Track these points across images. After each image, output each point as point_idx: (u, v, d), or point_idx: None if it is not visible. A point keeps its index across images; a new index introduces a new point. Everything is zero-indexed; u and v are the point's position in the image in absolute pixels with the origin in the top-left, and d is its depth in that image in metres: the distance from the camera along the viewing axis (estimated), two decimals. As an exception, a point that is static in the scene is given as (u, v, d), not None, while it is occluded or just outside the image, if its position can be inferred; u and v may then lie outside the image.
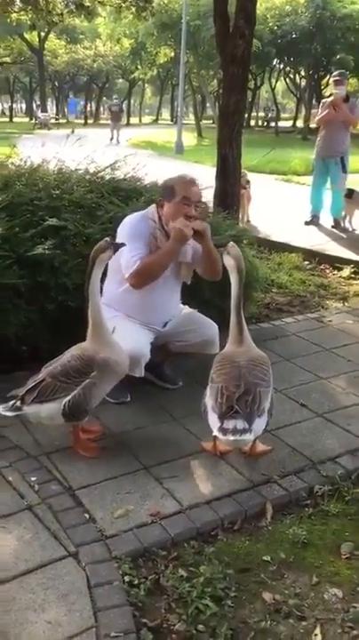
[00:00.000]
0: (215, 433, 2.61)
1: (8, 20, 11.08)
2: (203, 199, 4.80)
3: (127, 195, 4.19)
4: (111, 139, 25.53)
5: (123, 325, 3.11)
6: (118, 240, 3.04)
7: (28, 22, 10.81)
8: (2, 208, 3.64)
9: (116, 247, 2.81)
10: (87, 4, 9.50)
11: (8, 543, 2.32)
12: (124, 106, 40.84)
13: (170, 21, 24.63)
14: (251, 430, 2.57)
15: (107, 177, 4.49)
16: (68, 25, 33.89)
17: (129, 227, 3.21)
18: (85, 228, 3.74)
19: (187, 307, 3.54)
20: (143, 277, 3.12)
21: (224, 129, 5.91)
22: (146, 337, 3.24)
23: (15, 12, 10.49)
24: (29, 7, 9.80)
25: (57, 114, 46.29)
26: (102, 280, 2.96)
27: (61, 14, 9.98)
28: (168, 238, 3.16)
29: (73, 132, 10.90)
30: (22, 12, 10.35)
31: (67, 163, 4.49)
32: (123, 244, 2.91)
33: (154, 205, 3.32)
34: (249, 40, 5.67)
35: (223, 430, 2.56)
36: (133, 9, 9.22)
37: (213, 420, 2.64)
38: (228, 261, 2.85)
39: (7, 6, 9.87)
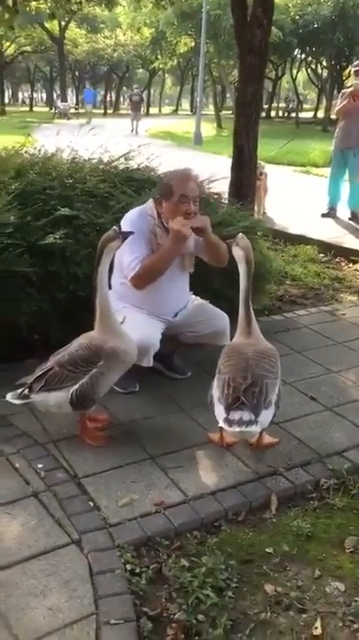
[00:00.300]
0: (221, 424, 2.60)
1: (28, 9, 11.05)
2: (219, 190, 4.84)
3: (140, 185, 4.18)
4: (132, 130, 25.22)
5: (132, 316, 3.11)
6: None
7: (48, 11, 10.78)
8: (14, 196, 3.64)
9: (125, 236, 2.80)
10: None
11: (12, 529, 2.34)
12: (144, 96, 40.66)
13: (190, 10, 24.44)
14: (258, 422, 2.56)
15: (121, 167, 4.49)
16: (89, 14, 33.94)
17: (129, 224, 3.16)
18: (97, 217, 3.75)
19: (198, 297, 3.52)
20: (144, 279, 3.13)
21: (240, 119, 5.86)
22: (155, 327, 3.24)
23: (35, 0, 10.46)
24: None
25: (76, 104, 46.26)
26: (110, 270, 2.96)
27: (80, 2, 9.95)
28: (168, 234, 3.15)
29: (89, 122, 10.87)
30: (42, 1, 10.33)
31: (82, 152, 4.48)
32: (131, 233, 2.90)
33: (151, 201, 3.30)
34: (267, 30, 5.61)
35: (229, 421, 2.55)
36: (153, -3, 9.17)
37: (219, 411, 2.64)
38: (237, 253, 2.84)
39: (28, -6, 9.83)
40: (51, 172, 4.07)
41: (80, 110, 43.21)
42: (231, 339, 3.11)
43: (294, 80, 38.44)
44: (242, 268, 2.83)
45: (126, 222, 3.21)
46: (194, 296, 3.52)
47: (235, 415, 2.55)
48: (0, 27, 10.53)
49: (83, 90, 52.95)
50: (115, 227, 2.77)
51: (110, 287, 3.08)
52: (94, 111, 44.81)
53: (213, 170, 5.01)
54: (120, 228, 2.78)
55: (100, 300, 2.77)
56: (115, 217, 3.72)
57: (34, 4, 10.43)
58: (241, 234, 2.90)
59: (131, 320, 3.02)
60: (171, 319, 3.35)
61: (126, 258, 3.12)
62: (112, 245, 2.73)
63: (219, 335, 3.35)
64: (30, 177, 3.93)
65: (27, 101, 54.78)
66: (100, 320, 2.80)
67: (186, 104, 60.94)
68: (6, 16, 9.54)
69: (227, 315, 3.39)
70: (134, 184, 4.19)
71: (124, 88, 51.49)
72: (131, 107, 27.94)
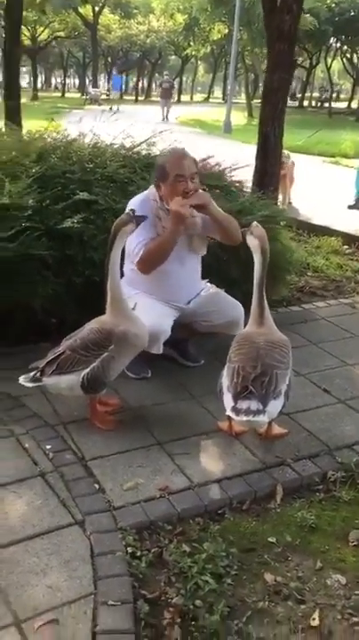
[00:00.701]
0: (228, 412, 2.60)
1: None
2: (243, 178, 4.80)
3: (160, 170, 4.15)
4: (162, 118, 24.95)
5: (143, 302, 3.12)
6: None
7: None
8: (34, 180, 3.66)
9: (139, 220, 2.78)
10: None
11: (18, 508, 2.37)
12: (176, 83, 40.41)
13: (224, -4, 24.21)
14: (265, 412, 2.54)
15: (144, 152, 4.48)
16: (123, -1, 33.78)
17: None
18: (116, 202, 3.73)
19: (213, 286, 3.50)
20: (149, 264, 3.12)
21: (267, 107, 5.79)
22: (167, 313, 3.23)
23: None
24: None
25: (108, 90, 46.20)
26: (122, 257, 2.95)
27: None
28: None
29: (115, 109, 10.86)
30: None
31: (104, 137, 4.47)
32: (145, 217, 2.89)
33: (153, 186, 3.28)
34: (296, 15, 5.52)
35: (236, 410, 2.55)
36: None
37: (227, 400, 2.63)
38: (252, 242, 2.81)
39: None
40: (72, 156, 4.07)
41: (111, 97, 43.23)
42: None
43: (329, 69, 37.82)
44: (256, 257, 2.81)
45: (129, 207, 3.20)
46: (209, 284, 3.50)
47: (243, 404, 2.54)
48: (32, 10, 10.58)
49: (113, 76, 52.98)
50: (128, 210, 2.76)
51: (122, 275, 3.08)
52: (126, 98, 44.82)
53: (238, 158, 4.97)
54: (134, 212, 2.77)
55: (112, 285, 2.77)
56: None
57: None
58: (255, 222, 2.87)
59: (142, 306, 3.02)
60: (184, 306, 3.34)
61: (133, 241, 3.10)
62: (126, 229, 2.73)
63: (233, 325, 3.32)
64: (51, 161, 3.94)
65: (60, 87, 54.87)
66: (112, 304, 2.81)
67: (218, 92, 60.43)
68: (38, 0, 9.58)
69: (241, 304, 3.37)
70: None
71: (156, 75, 51.24)
72: (161, 94, 27.66)
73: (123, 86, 43.41)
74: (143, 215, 2.89)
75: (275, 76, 5.65)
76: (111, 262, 2.74)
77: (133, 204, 3.22)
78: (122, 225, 2.73)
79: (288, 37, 5.55)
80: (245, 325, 3.05)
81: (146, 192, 3.33)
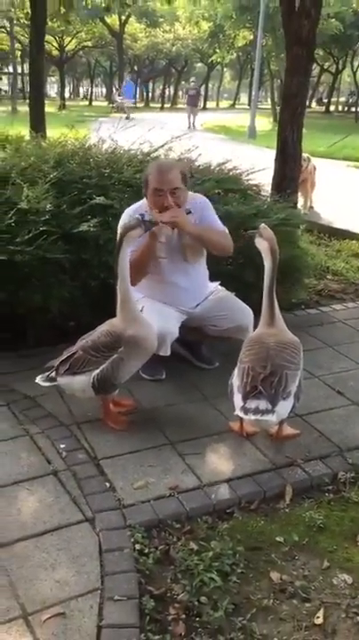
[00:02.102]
0: (237, 412, 2.62)
1: (84, 3, 11.23)
2: (262, 182, 4.82)
3: (177, 176, 4.19)
4: (189, 126, 24.14)
5: (148, 306, 3.15)
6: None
7: (103, 5, 10.93)
8: (52, 185, 3.73)
9: (147, 226, 2.81)
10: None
11: (30, 504, 2.42)
12: (202, 90, 40.45)
13: (249, 3, 24.22)
14: (274, 412, 2.56)
15: (163, 157, 4.52)
16: (148, 8, 34.04)
17: (122, 223, 3.11)
18: (132, 207, 3.79)
19: (223, 289, 3.51)
20: (132, 274, 3.05)
21: (285, 111, 5.79)
22: (172, 316, 3.26)
23: (90, -6, 10.63)
24: (104, -11, 9.91)
25: (134, 97, 46.54)
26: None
27: (135, -4, 10.04)
28: None
29: (128, 117, 10.90)
30: (97, -5, 10.47)
31: (122, 143, 4.53)
32: (156, 223, 2.92)
33: None
34: (315, 20, 5.52)
35: (245, 409, 2.56)
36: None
37: (237, 400, 2.65)
38: (261, 244, 2.82)
39: (83, -11, 9.99)
40: (89, 162, 4.14)
41: (138, 104, 43.54)
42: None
43: (355, 74, 37.56)
44: (266, 259, 2.82)
45: (122, 219, 3.20)
46: (220, 287, 3.52)
47: (252, 404, 2.56)
48: (57, 21, 10.76)
49: (141, 84, 53.27)
50: (138, 215, 2.80)
51: None
52: (152, 105, 45.07)
53: (259, 162, 5.00)
54: (143, 217, 2.80)
55: (121, 288, 2.82)
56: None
57: (89, -3, 10.58)
58: (263, 224, 2.89)
59: (147, 309, 3.05)
60: (191, 310, 3.36)
61: None
62: (132, 234, 2.77)
63: (242, 330, 3.29)
64: (69, 166, 4.01)
65: (88, 96, 55.49)
66: (121, 307, 2.85)
67: (244, 98, 60.42)
68: (62, 10, 9.74)
69: (252, 309, 3.36)
70: (171, 175, 4.21)
71: (183, 82, 51.47)
72: (188, 101, 27.07)
73: (140, 93, 41.59)
74: (152, 221, 2.91)
75: (293, 81, 5.65)
76: (120, 266, 2.79)
77: (127, 212, 3.25)
78: (129, 229, 2.77)
79: (306, 42, 5.55)
80: (256, 327, 3.06)
81: (138, 202, 3.35)
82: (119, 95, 31.51)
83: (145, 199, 3.27)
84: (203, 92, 41.26)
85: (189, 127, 23.92)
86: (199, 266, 3.42)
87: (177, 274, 3.31)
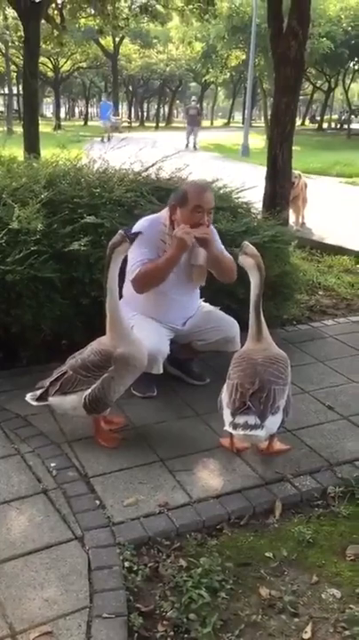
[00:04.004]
0: (226, 427, 2.63)
1: (77, 26, 11.39)
2: (252, 199, 4.87)
3: (167, 194, 4.23)
4: (186, 145, 23.73)
5: (140, 324, 3.18)
6: None
7: (96, 27, 11.11)
8: (43, 204, 3.77)
9: (132, 238, 2.83)
10: (150, 8, 9.72)
11: (19, 523, 2.42)
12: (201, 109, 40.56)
13: (241, 24, 24.60)
14: (263, 427, 2.57)
15: (154, 176, 4.57)
16: (142, 30, 34.52)
17: (138, 230, 3.21)
18: (122, 225, 3.80)
19: (207, 304, 3.56)
20: (142, 284, 3.18)
21: (275, 129, 5.89)
22: (163, 334, 3.29)
23: (83, 17, 10.79)
24: (96, 13, 10.07)
25: (129, 117, 47.03)
26: (121, 279, 3.01)
27: (127, 19, 10.21)
28: None
29: (107, 139, 10.94)
30: (90, 18, 10.63)
31: (112, 163, 4.58)
32: (139, 233, 2.95)
33: (167, 209, 3.33)
34: (302, 41, 5.62)
35: (234, 425, 2.58)
36: (196, 12, 9.32)
37: (226, 416, 2.67)
38: (246, 261, 2.85)
39: (76, 12, 10.15)
40: (81, 181, 4.18)
41: (133, 124, 43.91)
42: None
43: (347, 91, 38.02)
44: (252, 276, 2.84)
45: (135, 229, 3.26)
46: (203, 303, 3.56)
47: (241, 419, 2.58)
48: (50, 44, 10.93)
49: (136, 104, 53.70)
50: (120, 230, 2.83)
51: (121, 296, 3.14)
52: (147, 125, 45.42)
53: (251, 180, 5.06)
54: (126, 232, 2.82)
55: (110, 306, 2.84)
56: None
57: (83, 21, 10.73)
58: (246, 242, 2.91)
59: (137, 328, 3.08)
60: (180, 327, 3.40)
61: (131, 260, 3.18)
62: (120, 250, 2.79)
63: (228, 342, 3.37)
64: (61, 186, 4.06)
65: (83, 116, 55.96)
66: (110, 325, 2.87)
67: (238, 116, 61.03)
68: (55, 33, 9.89)
69: (241, 324, 3.39)
70: (162, 193, 4.26)
71: (177, 101, 52.03)
72: (188, 120, 25.51)
73: (116, 114, 37.70)
74: (136, 232, 2.94)
75: (282, 100, 5.75)
76: (109, 283, 2.81)
77: (140, 224, 3.29)
78: (116, 245, 2.79)
79: (295, 62, 5.66)
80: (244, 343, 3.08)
81: (157, 214, 3.40)
82: (114, 115, 31.66)
83: (164, 213, 3.32)
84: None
85: (187, 146, 23.46)
86: (197, 288, 3.48)
87: (179, 290, 3.35)
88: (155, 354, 3.09)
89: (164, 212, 3.34)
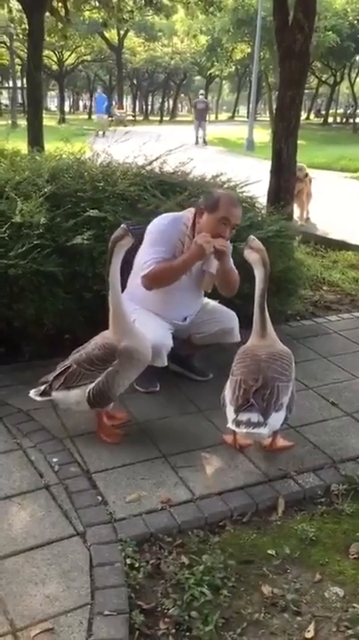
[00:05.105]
0: (229, 425, 2.61)
1: (81, 19, 11.35)
2: (257, 194, 4.84)
3: (170, 188, 4.22)
4: (196, 142, 23.07)
5: (142, 318, 3.16)
6: (145, 238, 3.12)
7: (100, 20, 11.05)
8: (46, 198, 3.75)
9: (135, 232, 2.81)
10: (155, 0, 9.66)
11: (21, 519, 2.41)
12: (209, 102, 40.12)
13: (246, 17, 24.48)
14: (266, 424, 2.55)
15: (157, 170, 4.54)
16: (147, 23, 34.37)
17: (157, 228, 3.23)
18: (126, 219, 3.79)
19: (205, 298, 3.55)
20: (154, 281, 3.17)
21: (280, 124, 5.84)
22: (166, 327, 3.28)
23: (88, 10, 10.74)
24: (101, 5, 10.01)
25: (133, 111, 46.91)
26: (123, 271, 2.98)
27: (131, 12, 10.15)
28: None
29: (100, 134, 10.84)
30: (94, 11, 10.57)
31: (116, 157, 4.55)
32: (141, 228, 2.93)
33: (191, 210, 3.30)
34: (308, 34, 5.57)
35: (237, 422, 2.56)
36: (201, 4, 9.26)
37: (229, 413, 2.65)
38: (251, 256, 2.82)
39: (80, 4, 10.10)
40: (84, 175, 4.16)
41: (137, 117, 43.78)
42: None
43: (353, 85, 37.84)
44: (257, 271, 2.82)
45: (155, 226, 3.26)
46: (206, 299, 3.55)
47: (244, 417, 2.56)
48: (54, 37, 10.88)
49: (141, 97, 53.49)
50: (123, 224, 2.80)
51: (124, 289, 3.13)
52: (151, 118, 45.27)
53: (256, 174, 5.02)
54: (128, 226, 2.80)
55: (113, 300, 2.82)
56: (144, 219, 3.77)
57: (87, 13, 10.68)
58: (252, 236, 2.89)
59: (139, 321, 3.06)
60: (181, 322, 3.39)
61: (144, 255, 3.17)
62: (122, 243, 2.76)
63: (226, 333, 3.38)
64: (63, 180, 4.03)
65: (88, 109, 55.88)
66: (113, 319, 2.85)
67: (243, 110, 60.82)
68: (59, 26, 9.84)
69: (245, 319, 3.37)
70: (165, 187, 4.23)
71: (182, 95, 51.85)
72: (196, 115, 24.75)
73: (120, 107, 35.99)
74: (140, 227, 2.91)
75: (288, 94, 5.70)
76: (111, 278, 2.78)
77: (160, 221, 3.28)
78: (118, 239, 2.76)
79: (300, 56, 5.60)
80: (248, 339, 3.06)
81: (180, 213, 3.38)
82: (118, 108, 31.50)
83: (188, 214, 3.30)
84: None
85: (196, 142, 22.92)
86: (202, 293, 3.50)
87: (187, 290, 3.35)
88: (159, 347, 3.08)
89: (187, 213, 3.31)
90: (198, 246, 3.08)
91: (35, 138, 8.51)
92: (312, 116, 44.66)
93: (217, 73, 35.24)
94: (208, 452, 2.86)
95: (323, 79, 37.12)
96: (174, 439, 2.97)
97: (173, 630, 1.97)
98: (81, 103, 69.38)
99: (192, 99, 34.12)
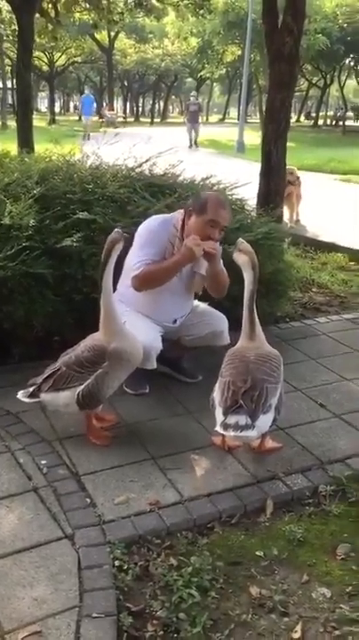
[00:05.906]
0: (217, 428, 2.62)
1: (72, 20, 11.33)
2: (247, 196, 4.85)
3: (160, 190, 4.23)
4: (189, 145, 22.62)
5: (132, 319, 3.16)
6: (135, 240, 3.14)
7: (91, 22, 11.05)
8: (35, 200, 3.75)
9: (127, 237, 2.83)
10: (145, 2, 9.67)
11: (9, 522, 2.40)
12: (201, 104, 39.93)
13: (236, 20, 24.56)
14: (255, 426, 2.56)
15: (147, 172, 4.55)
16: (137, 24, 34.39)
17: (147, 230, 3.23)
18: (115, 221, 3.80)
19: (196, 300, 3.57)
20: (144, 282, 3.17)
21: (269, 126, 5.86)
22: (156, 329, 3.29)
23: (78, 11, 10.73)
24: (91, 7, 10.01)
25: (124, 112, 46.90)
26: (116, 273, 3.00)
27: (122, 13, 10.16)
28: None
29: (88, 137, 10.83)
30: (85, 12, 10.57)
31: (106, 159, 4.55)
32: (130, 237, 2.95)
33: (181, 212, 3.31)
34: (297, 37, 5.60)
35: (225, 425, 2.57)
36: (191, 7, 9.29)
37: (218, 415, 2.65)
38: (240, 258, 2.83)
39: (70, 6, 10.09)
40: (73, 177, 4.15)
41: (128, 119, 43.76)
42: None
43: (342, 88, 38.04)
44: (246, 273, 2.83)
45: (145, 228, 3.27)
46: (196, 301, 3.56)
47: (232, 419, 2.56)
48: (44, 38, 10.86)
49: (132, 99, 53.42)
50: (117, 228, 2.82)
51: (115, 290, 3.13)
52: (142, 120, 45.27)
53: (246, 176, 5.04)
54: (123, 230, 2.81)
55: (105, 302, 2.82)
56: (134, 221, 3.78)
57: (77, 15, 10.67)
58: (240, 239, 2.90)
59: (131, 324, 3.07)
60: (171, 325, 3.39)
61: (134, 257, 3.17)
62: (118, 247, 2.79)
63: (216, 335, 3.40)
64: (53, 182, 4.03)
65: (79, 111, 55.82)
66: (104, 321, 2.86)
67: (234, 112, 60.97)
68: (50, 27, 9.82)
69: (234, 321, 3.38)
70: (155, 189, 4.24)
71: (173, 97, 51.90)
72: (189, 117, 24.15)
73: (111, 109, 35.05)
74: (129, 238, 2.92)
75: (277, 96, 5.72)
76: (104, 280, 2.79)
77: (151, 223, 3.29)
78: (115, 242, 2.78)
79: (289, 58, 5.63)
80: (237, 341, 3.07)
81: (169, 215, 3.38)
82: (109, 110, 31.41)
83: (177, 215, 3.30)
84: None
85: (190, 146, 22.60)
86: (192, 295, 3.52)
87: (177, 292, 3.36)
88: (148, 349, 3.08)
89: (177, 215, 3.32)
90: (188, 249, 3.08)
91: (25, 139, 8.49)
92: (302, 119, 44.88)
93: (207, 75, 35.35)
94: (197, 454, 2.87)
95: (314, 82, 37.31)
96: (163, 441, 2.97)
97: (161, 632, 1.97)
98: (71, 104, 69.22)
99: (183, 100, 34.14)
